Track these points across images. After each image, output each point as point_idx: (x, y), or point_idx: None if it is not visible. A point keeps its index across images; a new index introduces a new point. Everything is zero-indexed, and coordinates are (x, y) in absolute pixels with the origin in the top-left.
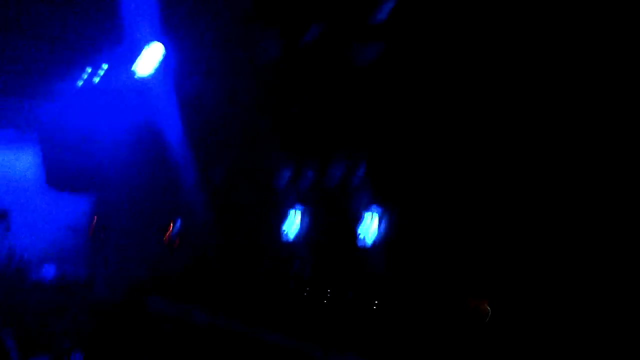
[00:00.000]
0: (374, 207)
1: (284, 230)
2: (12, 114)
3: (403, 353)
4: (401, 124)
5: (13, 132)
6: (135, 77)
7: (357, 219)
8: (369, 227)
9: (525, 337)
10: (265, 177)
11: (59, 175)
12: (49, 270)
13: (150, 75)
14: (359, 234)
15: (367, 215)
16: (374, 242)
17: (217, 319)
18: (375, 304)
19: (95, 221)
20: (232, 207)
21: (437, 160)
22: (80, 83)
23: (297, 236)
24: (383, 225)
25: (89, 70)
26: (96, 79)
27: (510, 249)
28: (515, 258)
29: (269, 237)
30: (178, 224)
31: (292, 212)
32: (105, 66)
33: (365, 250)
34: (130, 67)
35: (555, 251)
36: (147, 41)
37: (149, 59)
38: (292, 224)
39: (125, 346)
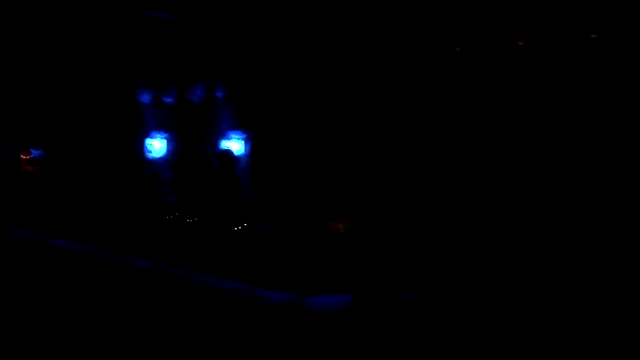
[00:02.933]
0: (235, 131)
1: (148, 155)
2: None
3: (266, 274)
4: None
5: None
6: None
7: (218, 143)
8: (233, 149)
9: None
10: (124, 101)
11: None
12: None
13: None
14: (222, 157)
15: (230, 139)
16: (238, 166)
17: (78, 245)
18: (242, 227)
19: None
20: (91, 132)
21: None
22: None
23: (160, 161)
24: (247, 147)
25: None
26: None
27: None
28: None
29: (132, 162)
30: (37, 152)
31: (153, 136)
32: None
33: (226, 172)
34: None
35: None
36: None
37: None
38: (155, 149)
39: None
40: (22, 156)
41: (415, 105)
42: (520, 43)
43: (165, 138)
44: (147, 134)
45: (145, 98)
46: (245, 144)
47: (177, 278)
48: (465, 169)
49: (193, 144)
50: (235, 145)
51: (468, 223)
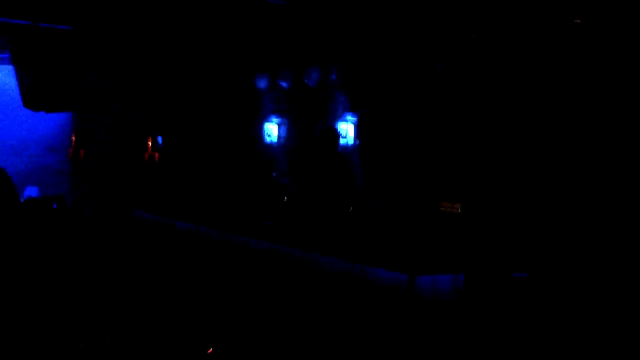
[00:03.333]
0: (349, 113)
1: (265, 139)
2: None
3: (378, 254)
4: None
5: None
6: None
7: (335, 126)
8: (347, 133)
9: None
10: (242, 88)
11: (35, 95)
12: (32, 192)
13: None
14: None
15: (345, 121)
16: (351, 147)
17: (195, 227)
18: (354, 208)
19: (74, 140)
20: (210, 120)
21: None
22: None
23: (276, 144)
24: (358, 130)
25: None
26: None
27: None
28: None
29: (250, 146)
30: (159, 140)
31: (270, 121)
32: None
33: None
34: None
35: None
36: None
37: None
38: (271, 132)
39: (113, 252)
40: (148, 143)
41: (524, 87)
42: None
43: (281, 122)
44: (265, 119)
45: (262, 83)
46: (358, 126)
47: (290, 257)
48: (580, 148)
49: (308, 127)
50: (348, 127)
51: (583, 205)
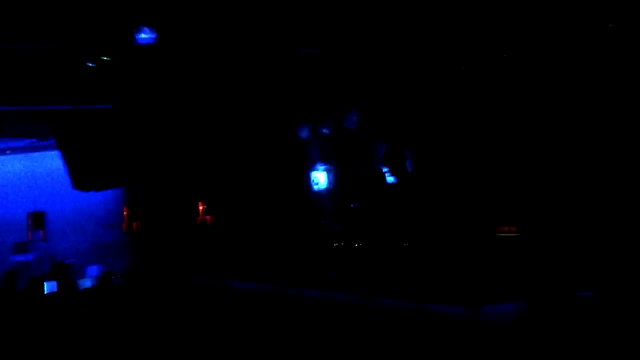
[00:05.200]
0: (391, 151)
1: (312, 187)
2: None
3: (438, 287)
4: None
5: (32, 140)
6: None
7: (380, 165)
8: (393, 170)
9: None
10: (285, 139)
11: (83, 176)
12: (93, 271)
13: None
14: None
15: (389, 159)
16: (398, 184)
17: (255, 285)
18: (408, 243)
19: (127, 214)
20: (257, 176)
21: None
22: None
23: (324, 190)
24: (406, 165)
25: None
26: None
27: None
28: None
29: (299, 196)
30: (210, 203)
31: (317, 169)
32: None
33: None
34: None
35: None
36: None
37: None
38: (318, 180)
39: (173, 317)
40: (199, 206)
41: (584, 110)
42: None
43: (327, 168)
44: (310, 167)
45: (305, 133)
46: (404, 161)
47: (349, 303)
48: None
49: (354, 170)
50: (392, 164)
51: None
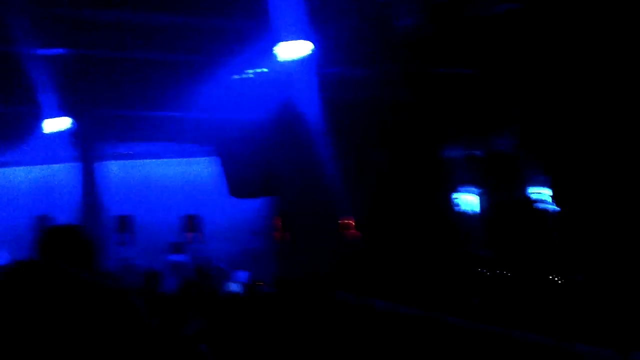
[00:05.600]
0: (545, 178)
1: (459, 211)
2: (192, 129)
3: (584, 326)
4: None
5: (192, 146)
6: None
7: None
8: (544, 201)
9: None
10: (431, 160)
11: (239, 183)
12: (240, 276)
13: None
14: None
15: (539, 190)
16: (551, 213)
17: (398, 307)
18: (556, 277)
19: (278, 223)
20: (401, 195)
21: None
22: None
23: (470, 214)
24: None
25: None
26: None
27: None
28: None
29: (443, 219)
30: (354, 218)
31: (464, 192)
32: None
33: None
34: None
35: None
36: (291, 33)
37: (293, 49)
38: (467, 203)
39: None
40: (343, 222)
41: None
42: None
43: (473, 191)
44: (456, 189)
45: (453, 153)
46: (557, 190)
47: (492, 334)
48: None
49: (503, 194)
50: (544, 192)
51: None
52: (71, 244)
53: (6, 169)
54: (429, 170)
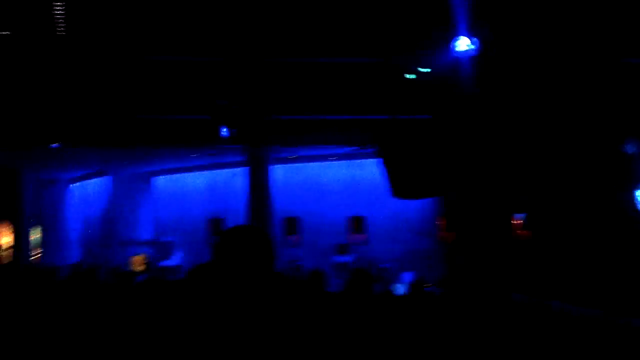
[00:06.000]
0: None
1: (637, 207)
2: (353, 130)
3: None
4: None
5: (354, 148)
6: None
7: None
8: None
9: None
10: (607, 153)
11: (403, 184)
12: (407, 277)
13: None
14: None
15: None
16: None
17: (577, 309)
18: None
19: (442, 224)
20: (574, 193)
21: None
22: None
23: None
24: None
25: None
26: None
27: None
28: None
29: (622, 217)
30: (524, 216)
31: None
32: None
33: None
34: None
35: None
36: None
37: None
38: None
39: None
40: (512, 221)
41: None
42: None
43: None
44: (636, 186)
45: (633, 147)
46: None
47: None
48: None
49: None
50: None
51: None
52: (252, 245)
53: (180, 174)
54: (608, 167)
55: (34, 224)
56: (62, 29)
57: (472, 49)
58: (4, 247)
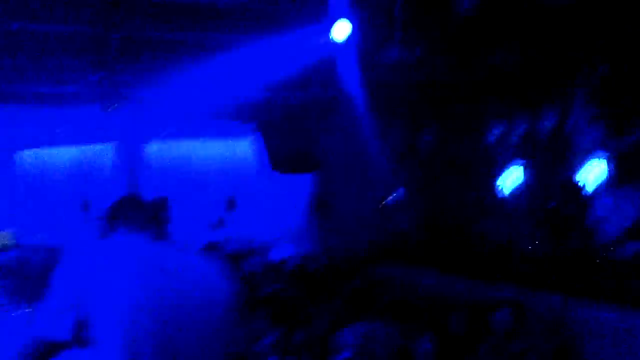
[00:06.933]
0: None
1: (500, 187)
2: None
3: None
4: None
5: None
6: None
7: (577, 169)
8: (593, 176)
9: None
10: (475, 134)
11: (281, 159)
12: (286, 250)
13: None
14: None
15: (589, 164)
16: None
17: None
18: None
19: (315, 199)
20: (444, 168)
21: None
22: None
23: (515, 192)
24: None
25: None
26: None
27: None
28: None
29: (485, 195)
30: (396, 192)
31: (509, 168)
32: None
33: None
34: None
35: None
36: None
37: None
38: (509, 179)
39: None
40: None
41: None
42: None
43: (520, 169)
44: (501, 168)
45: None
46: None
47: None
48: None
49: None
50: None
51: None
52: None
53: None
54: (478, 151)
55: None
56: None
57: (349, 33)
58: None
